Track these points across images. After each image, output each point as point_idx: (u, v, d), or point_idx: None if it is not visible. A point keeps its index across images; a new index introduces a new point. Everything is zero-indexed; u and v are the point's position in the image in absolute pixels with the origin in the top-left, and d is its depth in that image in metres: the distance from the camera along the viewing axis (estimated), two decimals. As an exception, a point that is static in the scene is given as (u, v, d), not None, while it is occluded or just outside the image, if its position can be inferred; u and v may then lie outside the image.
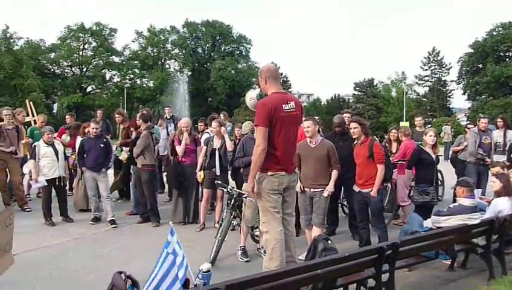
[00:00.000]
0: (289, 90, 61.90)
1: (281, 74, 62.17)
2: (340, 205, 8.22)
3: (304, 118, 9.97)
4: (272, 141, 4.34)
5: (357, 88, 66.29)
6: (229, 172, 7.98)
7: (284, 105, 4.38)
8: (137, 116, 8.46)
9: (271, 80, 4.53)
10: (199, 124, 10.03)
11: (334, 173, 6.05)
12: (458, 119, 51.33)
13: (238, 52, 69.25)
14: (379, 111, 62.40)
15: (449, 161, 11.21)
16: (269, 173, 4.41)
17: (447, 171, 10.25)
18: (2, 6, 77.77)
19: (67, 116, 11.37)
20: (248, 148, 6.42)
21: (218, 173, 7.53)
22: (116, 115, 9.86)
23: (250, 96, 5.07)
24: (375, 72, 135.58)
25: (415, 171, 6.82)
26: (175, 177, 7.97)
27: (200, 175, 7.64)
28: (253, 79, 62.31)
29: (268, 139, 4.31)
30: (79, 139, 8.76)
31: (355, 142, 6.29)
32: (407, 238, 4.68)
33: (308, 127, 6.05)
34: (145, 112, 8.59)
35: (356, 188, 6.27)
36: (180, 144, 7.96)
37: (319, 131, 6.42)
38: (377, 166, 6.00)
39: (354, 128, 6.20)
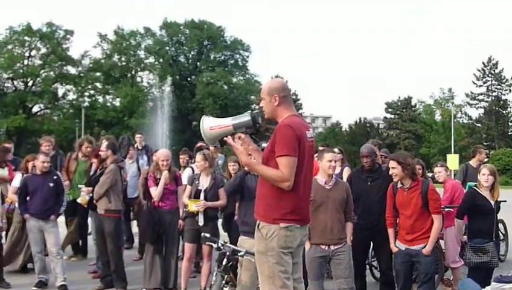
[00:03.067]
0: (300, 112, 62.45)
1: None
2: (368, 266, 8.17)
3: (321, 148, 10.02)
4: (295, 181, 4.28)
5: (390, 110, 66.93)
6: (220, 221, 7.95)
7: (307, 132, 4.43)
8: (102, 145, 8.51)
9: (287, 100, 4.54)
10: (181, 156, 10.06)
11: (350, 226, 6.15)
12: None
13: (232, 61, 70.39)
14: (419, 140, 62.80)
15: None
16: (282, 225, 4.34)
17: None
18: None
19: (4, 145, 11.28)
20: (249, 187, 6.45)
21: (201, 223, 7.52)
22: (86, 144, 9.80)
23: (210, 125, 4.58)
24: (413, 89, 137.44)
25: (468, 221, 6.81)
26: (150, 227, 7.94)
27: (189, 206, 7.57)
28: (252, 97, 62.99)
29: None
30: (18, 176, 8.73)
31: (399, 185, 6.29)
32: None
33: (335, 161, 6.16)
34: (112, 139, 8.64)
35: (401, 245, 6.26)
36: (156, 184, 7.97)
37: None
38: (433, 217, 6.05)
39: (393, 168, 6.21)
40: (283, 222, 4.26)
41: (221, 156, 11.26)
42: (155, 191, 7.91)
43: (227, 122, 4.54)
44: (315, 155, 7.46)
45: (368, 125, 65.87)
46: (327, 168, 6.11)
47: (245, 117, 4.54)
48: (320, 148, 9.59)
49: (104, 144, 8.38)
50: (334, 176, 6.26)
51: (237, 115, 4.71)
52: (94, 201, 8.04)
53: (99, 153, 8.34)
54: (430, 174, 8.81)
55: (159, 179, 7.94)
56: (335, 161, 6.16)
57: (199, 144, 10.06)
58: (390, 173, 6.27)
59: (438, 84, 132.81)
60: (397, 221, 6.39)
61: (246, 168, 6.42)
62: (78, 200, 8.73)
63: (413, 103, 66.67)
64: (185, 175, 8.62)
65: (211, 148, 10.89)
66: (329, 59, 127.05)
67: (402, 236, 6.22)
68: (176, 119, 55.80)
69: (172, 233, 7.98)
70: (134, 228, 10.68)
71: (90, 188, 8.23)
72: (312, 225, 6.00)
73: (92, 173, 8.57)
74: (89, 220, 9.04)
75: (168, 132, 48.24)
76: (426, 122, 64.79)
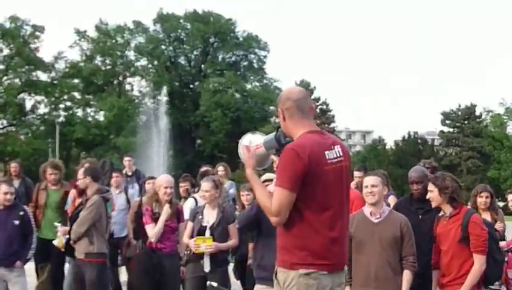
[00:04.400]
0: (331, 126, 62.41)
1: (318, 101, 63.69)
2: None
3: (357, 171, 9.94)
4: (309, 215, 4.33)
5: (448, 122, 66.55)
6: (231, 265, 7.92)
7: (327, 153, 4.43)
8: (80, 172, 8.54)
9: (297, 113, 4.57)
10: (181, 184, 10.10)
11: (408, 276, 6.07)
12: None
13: (245, 63, 70.72)
14: (486, 160, 62.26)
15: None
16: (301, 272, 4.34)
17: None
18: None
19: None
20: (268, 220, 6.42)
21: (207, 269, 7.51)
22: (50, 170, 9.89)
23: (246, 145, 4.86)
24: (477, 95, 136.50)
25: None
26: (149, 275, 7.96)
27: (194, 246, 7.53)
28: (272, 107, 63.03)
29: (301, 211, 4.32)
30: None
31: (441, 213, 6.34)
32: None
33: (372, 186, 6.14)
34: (93, 164, 8.67)
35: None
36: (154, 219, 7.99)
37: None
38: (474, 257, 6.02)
39: (430, 191, 6.28)
40: (303, 268, 4.29)
41: (231, 183, 11.30)
42: (153, 230, 7.93)
43: (260, 141, 4.81)
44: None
45: (419, 141, 65.32)
46: (365, 195, 6.15)
47: (271, 136, 4.76)
48: (357, 173, 9.62)
49: (80, 170, 8.43)
50: (385, 206, 6.28)
51: (255, 129, 4.86)
52: (72, 243, 8.07)
53: (77, 182, 8.38)
54: (501, 204, 8.71)
55: (158, 213, 7.97)
56: (373, 187, 6.14)
57: (204, 168, 10.12)
58: (427, 197, 6.32)
59: (510, 89, 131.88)
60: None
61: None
62: (54, 243, 8.75)
63: (477, 113, 66.16)
64: (186, 208, 8.65)
65: (219, 171, 10.93)
66: (369, 61, 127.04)
67: (438, 279, 6.26)
68: (176, 137, 56.25)
69: (173, 282, 8.02)
70: (123, 275, 10.67)
71: (67, 228, 8.25)
72: (353, 269, 6.00)
73: (67, 206, 8.61)
74: (66, 266, 9.06)
75: (166, 154, 48.38)
76: (495, 137, 64.11)
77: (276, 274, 4.39)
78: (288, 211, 4.28)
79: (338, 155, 4.47)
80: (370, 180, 6.19)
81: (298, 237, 4.32)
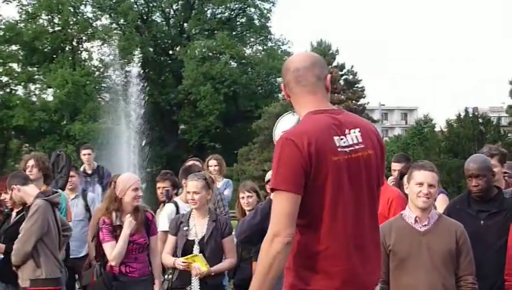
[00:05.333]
0: (360, 103, 62.32)
1: (341, 69, 62.95)
2: None
3: (395, 162, 9.91)
4: (317, 223, 4.38)
5: (518, 94, 66.37)
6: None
7: (336, 138, 4.46)
8: (25, 163, 8.60)
9: (297, 87, 4.65)
10: (159, 184, 10.14)
11: None
12: None
13: (243, 19, 70.47)
14: None
15: None
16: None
17: None
18: None
19: None
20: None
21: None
22: None
23: (284, 129, 5.10)
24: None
25: None
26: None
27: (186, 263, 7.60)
28: (280, 79, 62.72)
29: (306, 220, 4.37)
30: None
31: None
32: None
33: (430, 186, 6.15)
34: (39, 158, 8.71)
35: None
36: (113, 235, 8.02)
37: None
38: None
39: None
40: None
41: (227, 181, 11.29)
42: (112, 249, 7.96)
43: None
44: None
45: (480, 120, 65.08)
46: (415, 196, 6.14)
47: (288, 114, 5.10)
48: (395, 165, 9.58)
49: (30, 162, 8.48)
50: (433, 210, 6.30)
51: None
52: (13, 267, 8.09)
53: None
54: None
55: (120, 226, 8.00)
56: (432, 186, 6.13)
57: (190, 162, 10.13)
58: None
59: None
60: None
61: (271, 196, 6.43)
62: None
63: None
64: (164, 216, 8.67)
65: (210, 165, 10.93)
66: (409, 16, 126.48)
67: None
68: (151, 121, 56.23)
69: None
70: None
71: (2, 246, 8.29)
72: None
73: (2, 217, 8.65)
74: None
75: (138, 145, 48.31)
76: None
77: None
78: (294, 222, 4.28)
79: (355, 141, 4.49)
80: (426, 176, 6.14)
81: (303, 254, 4.38)
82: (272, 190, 4.34)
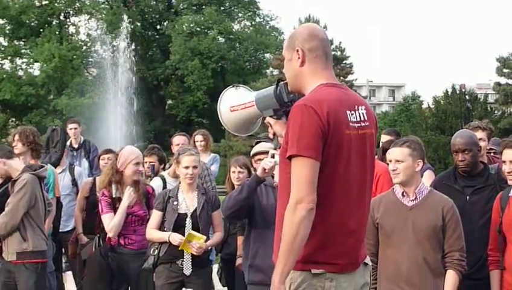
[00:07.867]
0: (348, 79, 62.27)
1: (331, 45, 61.94)
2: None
3: (386, 136, 9.95)
4: (325, 197, 4.34)
5: (506, 70, 66.40)
6: (215, 266, 7.98)
7: (349, 113, 4.46)
8: (13, 137, 8.61)
9: (321, 58, 4.62)
10: (146, 158, 10.14)
11: (452, 278, 6.10)
12: None
13: (231, -6, 70.10)
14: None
15: None
16: (314, 272, 4.40)
17: None
18: None
19: None
20: (263, 205, 6.54)
21: (188, 272, 7.60)
22: None
23: (232, 104, 5.06)
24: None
25: None
26: (104, 281, 8.01)
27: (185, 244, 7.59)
28: (268, 55, 62.76)
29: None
30: None
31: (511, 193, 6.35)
32: None
33: (397, 161, 6.15)
34: (23, 132, 8.70)
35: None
36: (112, 206, 8.04)
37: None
38: None
39: (503, 163, 6.36)
40: (314, 267, 4.36)
41: (214, 156, 11.29)
42: (111, 220, 7.98)
43: (250, 98, 4.88)
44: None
45: (468, 97, 65.14)
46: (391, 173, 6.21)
47: (268, 91, 4.82)
48: (384, 137, 9.62)
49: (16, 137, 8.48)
50: (423, 185, 6.31)
51: (247, 83, 4.85)
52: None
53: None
54: None
55: (119, 199, 8.02)
56: (399, 162, 6.12)
57: (177, 137, 10.13)
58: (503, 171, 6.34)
59: None
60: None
61: (258, 173, 6.43)
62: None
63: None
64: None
65: (198, 140, 10.93)
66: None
67: (508, 282, 6.29)
68: (139, 96, 56.12)
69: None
70: (70, 283, 10.74)
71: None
72: (380, 266, 6.05)
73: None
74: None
75: (125, 120, 48.23)
76: None
77: None
78: (315, 189, 4.23)
79: (362, 118, 4.51)
80: (392, 153, 6.19)
81: (311, 227, 4.30)
82: (291, 157, 4.26)
